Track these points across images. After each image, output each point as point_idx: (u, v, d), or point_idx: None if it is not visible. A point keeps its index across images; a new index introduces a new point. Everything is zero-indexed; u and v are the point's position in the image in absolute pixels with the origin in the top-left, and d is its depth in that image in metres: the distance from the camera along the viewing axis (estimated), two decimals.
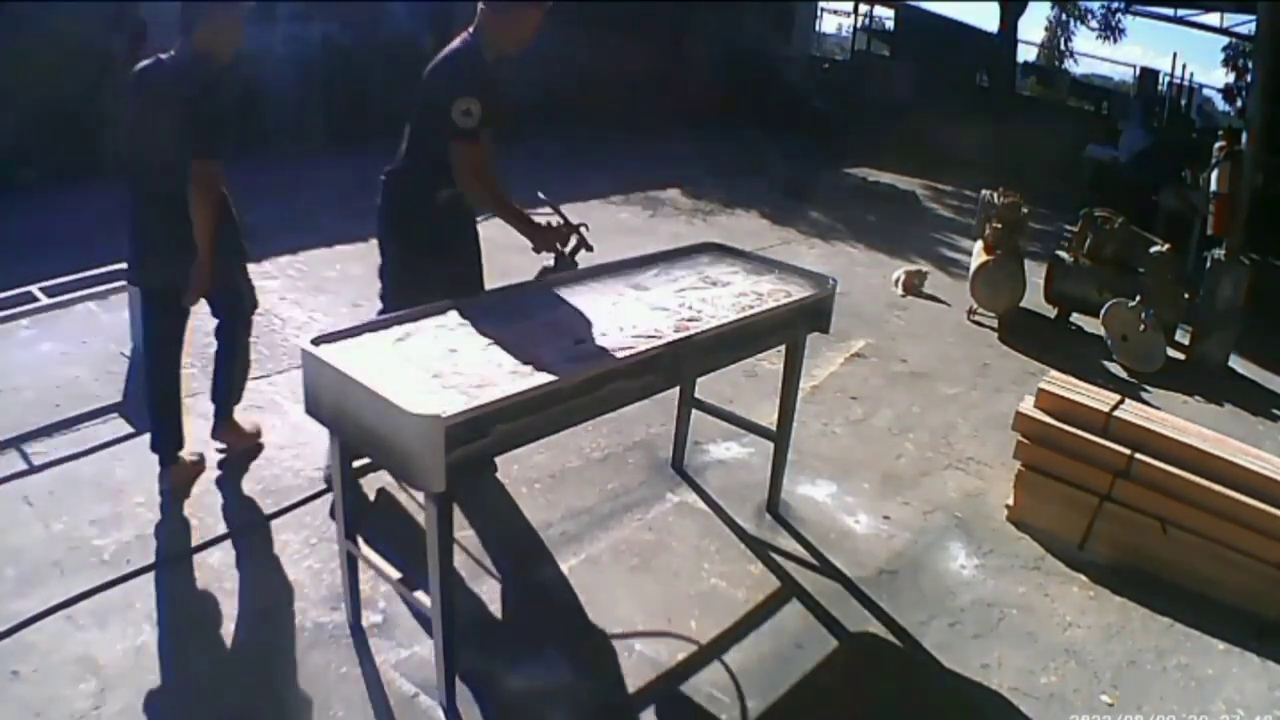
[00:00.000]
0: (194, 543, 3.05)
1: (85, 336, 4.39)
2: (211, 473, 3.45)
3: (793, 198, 9.55)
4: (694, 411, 3.78)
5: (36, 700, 2.37)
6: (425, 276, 3.07)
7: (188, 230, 2.99)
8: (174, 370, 3.31)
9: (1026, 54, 22.51)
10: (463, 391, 2.22)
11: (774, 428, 3.53)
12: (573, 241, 3.13)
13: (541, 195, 3.26)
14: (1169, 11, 12.61)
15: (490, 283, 3.34)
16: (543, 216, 3.23)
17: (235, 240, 3.34)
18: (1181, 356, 6.00)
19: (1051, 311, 6.58)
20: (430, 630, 2.46)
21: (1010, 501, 3.79)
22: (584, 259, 3.20)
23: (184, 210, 2.97)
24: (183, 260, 3.04)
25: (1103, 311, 5.86)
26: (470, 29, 3.02)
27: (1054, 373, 4.10)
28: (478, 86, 2.92)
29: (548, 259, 3.11)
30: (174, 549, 3.01)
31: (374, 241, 3.35)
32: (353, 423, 2.29)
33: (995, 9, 16.03)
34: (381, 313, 3.05)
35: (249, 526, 3.18)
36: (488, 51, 3.01)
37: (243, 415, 3.62)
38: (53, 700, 2.37)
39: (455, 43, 3.02)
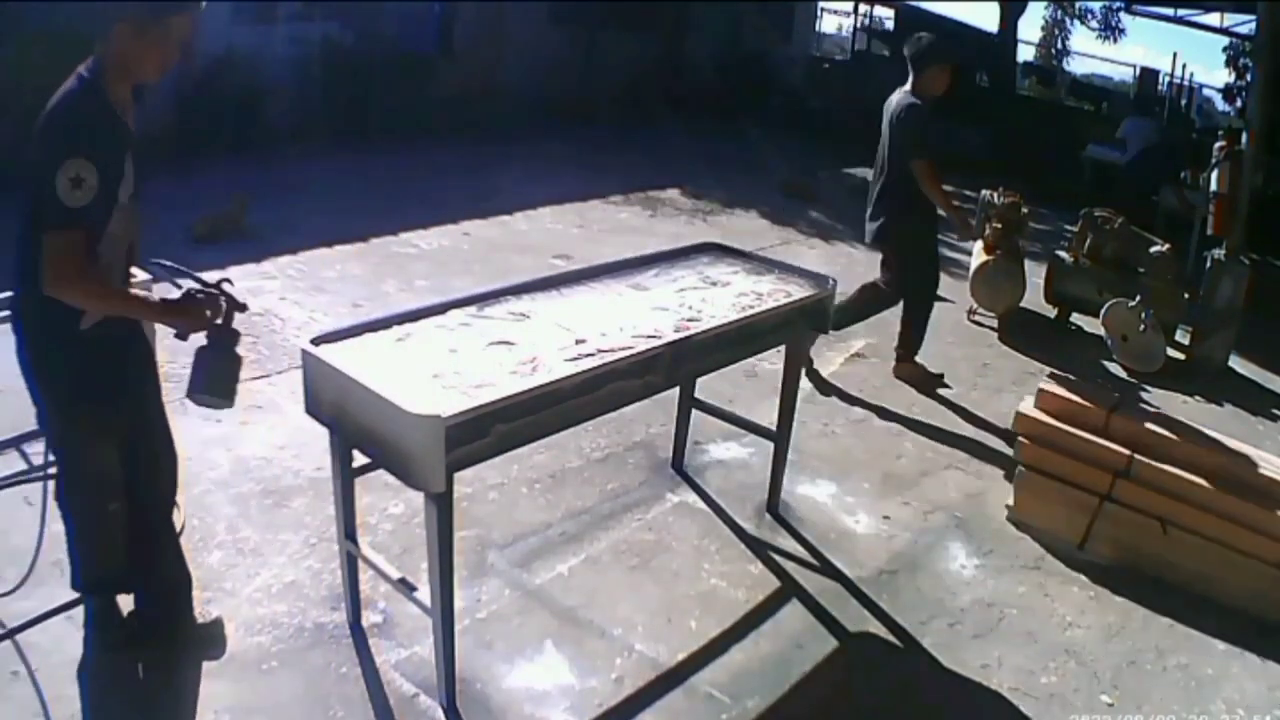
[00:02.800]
0: (193, 542, 3.04)
1: None
2: (212, 473, 3.45)
3: (793, 198, 9.54)
4: (694, 411, 3.78)
5: (36, 700, 2.37)
6: (91, 428, 2.34)
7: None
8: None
9: (1026, 54, 22.54)
10: (463, 391, 2.22)
11: (774, 428, 3.53)
12: (222, 307, 2.32)
13: (162, 264, 2.43)
14: (1169, 11, 12.60)
15: (490, 283, 3.33)
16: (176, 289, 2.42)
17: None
18: (1181, 356, 5.99)
19: (1051, 311, 6.58)
20: (430, 630, 2.46)
21: (1010, 501, 3.79)
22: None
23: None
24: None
25: (1103, 311, 5.86)
26: (88, 63, 2.13)
27: (1054, 373, 4.10)
28: (92, 140, 2.04)
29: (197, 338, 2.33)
30: None
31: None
32: (352, 423, 2.29)
33: (995, 9, 16.04)
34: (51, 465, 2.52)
35: (248, 527, 3.18)
36: (116, 87, 2.14)
37: (243, 415, 3.61)
38: (53, 700, 2.37)
39: (68, 82, 2.12)
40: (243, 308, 2.33)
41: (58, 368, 2.25)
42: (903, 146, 4.67)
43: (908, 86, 4.79)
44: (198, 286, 2.29)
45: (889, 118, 4.81)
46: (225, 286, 2.32)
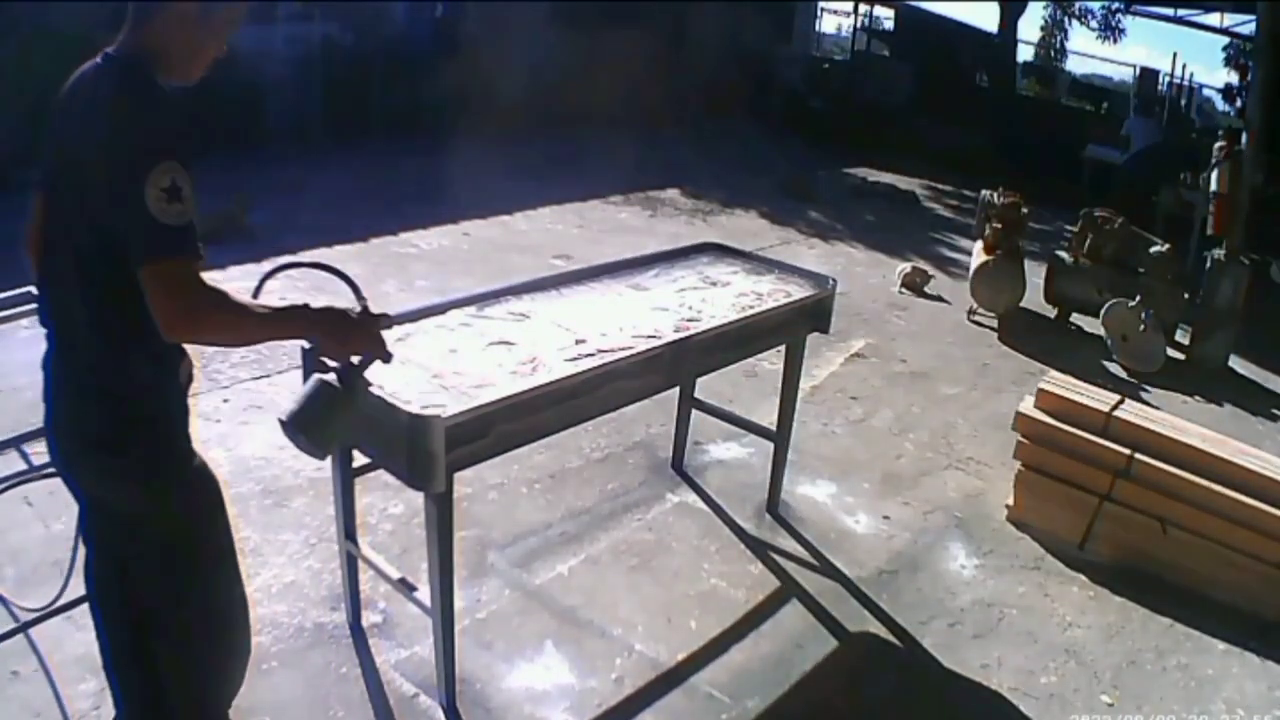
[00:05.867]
0: None
1: None
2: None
3: (793, 198, 9.55)
4: (694, 411, 3.78)
5: (36, 700, 2.37)
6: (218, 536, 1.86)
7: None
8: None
9: (1026, 54, 22.52)
10: (463, 391, 2.22)
11: (774, 428, 3.53)
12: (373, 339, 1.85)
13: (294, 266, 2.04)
14: (1169, 11, 12.60)
15: (490, 283, 3.33)
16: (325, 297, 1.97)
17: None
18: (1181, 356, 6.00)
19: (1051, 311, 6.58)
20: (430, 630, 2.46)
21: (1010, 501, 3.79)
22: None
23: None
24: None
25: (1103, 311, 5.86)
26: (119, 44, 1.66)
27: (1054, 373, 4.10)
28: (180, 136, 1.60)
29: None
30: None
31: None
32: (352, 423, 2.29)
33: (995, 9, 16.05)
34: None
35: (248, 527, 3.18)
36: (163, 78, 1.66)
37: (243, 415, 3.61)
38: (53, 700, 2.37)
39: (99, 77, 1.64)
40: (387, 358, 1.84)
41: (170, 430, 1.75)
42: None
43: None
44: (359, 304, 1.82)
45: None
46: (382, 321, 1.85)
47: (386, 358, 1.82)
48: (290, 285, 5.34)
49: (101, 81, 1.62)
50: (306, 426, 1.75)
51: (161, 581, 1.79)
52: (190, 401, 1.84)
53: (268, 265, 1.97)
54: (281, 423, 1.76)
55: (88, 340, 1.68)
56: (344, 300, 1.92)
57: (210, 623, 1.86)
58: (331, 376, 1.79)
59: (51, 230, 1.72)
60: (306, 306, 1.74)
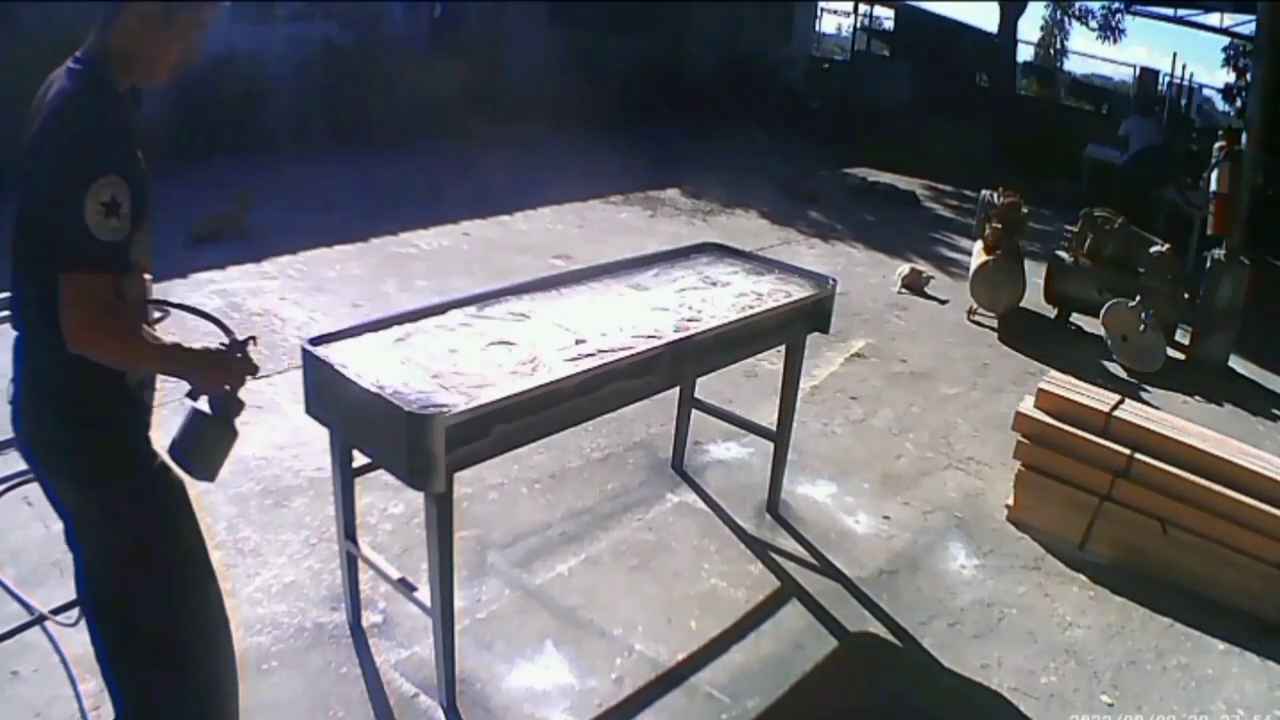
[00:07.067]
0: None
1: None
2: None
3: (793, 198, 9.55)
4: (694, 411, 3.78)
5: (36, 700, 2.37)
6: (176, 501, 1.88)
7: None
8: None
9: (1026, 54, 22.55)
10: (463, 392, 2.22)
11: (774, 428, 3.53)
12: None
13: (162, 306, 2.00)
14: (1169, 11, 12.61)
15: (490, 283, 3.33)
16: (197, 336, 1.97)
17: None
18: (1181, 356, 5.99)
19: (1051, 311, 6.58)
20: (430, 630, 2.46)
21: (1010, 501, 3.79)
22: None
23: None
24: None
25: (1103, 311, 5.86)
26: (78, 57, 1.68)
27: (1054, 373, 4.10)
28: (123, 150, 1.63)
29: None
30: None
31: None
32: (352, 423, 2.29)
33: (995, 9, 16.04)
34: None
35: (248, 527, 3.18)
36: (122, 83, 1.70)
37: (243, 415, 3.59)
38: (53, 700, 2.37)
39: (62, 80, 1.67)
40: (255, 371, 1.91)
41: (120, 433, 1.78)
42: None
43: None
44: (227, 339, 1.86)
45: None
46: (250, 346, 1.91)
47: (254, 372, 1.89)
48: (290, 285, 5.36)
49: (64, 87, 1.64)
50: (187, 452, 1.85)
51: (124, 585, 1.82)
52: (155, 401, 1.89)
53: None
54: (173, 457, 1.85)
55: (39, 340, 1.70)
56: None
57: (179, 627, 1.87)
58: (203, 404, 1.87)
59: (16, 233, 1.70)
60: (180, 347, 1.79)
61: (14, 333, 1.76)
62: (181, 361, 1.81)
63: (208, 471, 1.90)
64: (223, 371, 1.84)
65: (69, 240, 1.56)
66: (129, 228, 1.60)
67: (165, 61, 1.72)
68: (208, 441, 1.88)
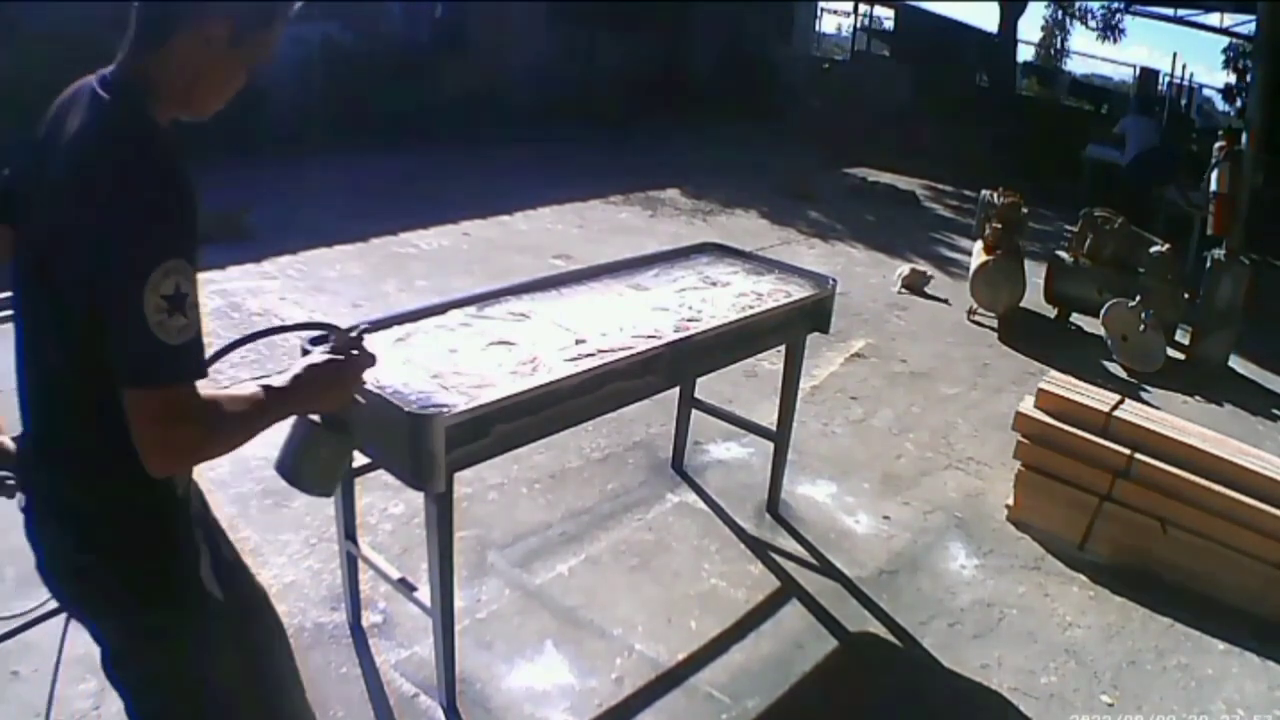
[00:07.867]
0: None
1: None
2: (211, 473, 3.45)
3: (793, 198, 9.55)
4: (694, 411, 3.78)
5: (37, 700, 2.36)
6: (223, 630, 1.57)
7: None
8: None
9: (1026, 54, 22.55)
10: (463, 391, 2.22)
11: (774, 428, 3.53)
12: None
13: (231, 349, 1.66)
14: (1169, 11, 12.63)
15: (490, 283, 3.33)
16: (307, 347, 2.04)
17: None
18: (1181, 356, 5.99)
19: (1051, 311, 6.59)
20: (430, 630, 2.46)
21: (1010, 501, 3.79)
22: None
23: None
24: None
25: (1103, 311, 5.86)
26: (121, 66, 1.34)
27: (1054, 373, 4.10)
28: (187, 226, 1.27)
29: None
30: None
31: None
32: (352, 422, 2.29)
33: (995, 9, 16.05)
34: None
35: (248, 527, 3.18)
36: (163, 117, 1.35)
37: None
38: (53, 700, 2.36)
39: (89, 112, 1.30)
40: (374, 361, 1.60)
41: (169, 556, 1.47)
42: None
43: None
44: (328, 338, 1.56)
45: None
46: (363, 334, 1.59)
47: (373, 364, 1.60)
48: (290, 285, 5.35)
49: (98, 127, 1.28)
50: (297, 471, 1.63)
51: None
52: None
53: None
54: (283, 475, 1.65)
55: (68, 442, 1.40)
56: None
57: None
58: (315, 416, 1.62)
59: (22, 256, 1.40)
60: (274, 389, 1.44)
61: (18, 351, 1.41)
62: (287, 404, 1.47)
63: (325, 489, 1.69)
64: (340, 388, 1.54)
65: (129, 348, 1.22)
66: (199, 320, 1.26)
67: (222, 91, 1.43)
68: (324, 455, 1.62)
